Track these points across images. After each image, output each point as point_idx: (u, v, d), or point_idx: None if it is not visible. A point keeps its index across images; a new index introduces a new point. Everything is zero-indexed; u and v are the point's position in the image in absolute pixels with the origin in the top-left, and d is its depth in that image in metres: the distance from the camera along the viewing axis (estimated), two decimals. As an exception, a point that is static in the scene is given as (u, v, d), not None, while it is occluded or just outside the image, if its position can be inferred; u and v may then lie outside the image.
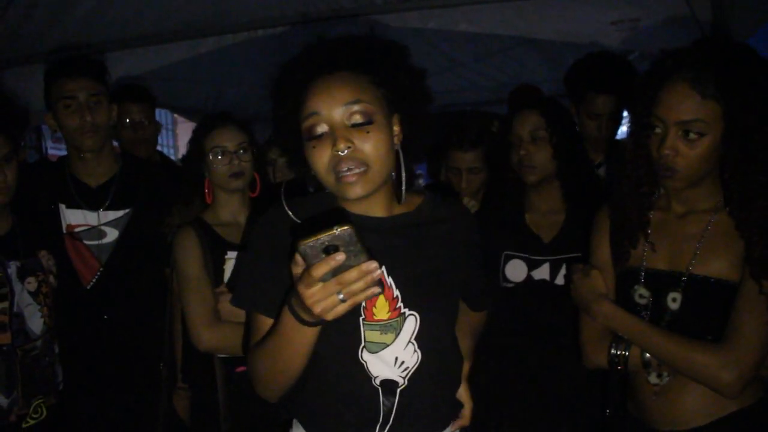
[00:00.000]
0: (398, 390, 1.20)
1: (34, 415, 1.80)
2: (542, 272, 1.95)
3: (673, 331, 1.41)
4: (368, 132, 1.13)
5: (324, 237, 0.93)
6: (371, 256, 0.95)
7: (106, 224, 2.07)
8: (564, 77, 2.59)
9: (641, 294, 1.47)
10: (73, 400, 1.98)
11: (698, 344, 1.35)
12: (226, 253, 1.93)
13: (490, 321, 1.98)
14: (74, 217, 2.06)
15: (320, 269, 0.94)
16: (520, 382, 1.96)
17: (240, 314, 1.54)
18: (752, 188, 1.32)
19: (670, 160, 1.35)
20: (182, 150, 2.26)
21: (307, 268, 0.96)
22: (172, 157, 4.32)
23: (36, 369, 1.81)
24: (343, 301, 0.97)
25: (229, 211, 1.99)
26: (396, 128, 1.20)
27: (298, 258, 0.98)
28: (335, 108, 1.13)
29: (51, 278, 1.89)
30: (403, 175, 1.21)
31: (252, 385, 1.23)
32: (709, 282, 1.39)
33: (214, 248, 1.92)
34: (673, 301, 1.42)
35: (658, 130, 1.37)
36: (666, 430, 1.44)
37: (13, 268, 1.79)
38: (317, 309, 0.97)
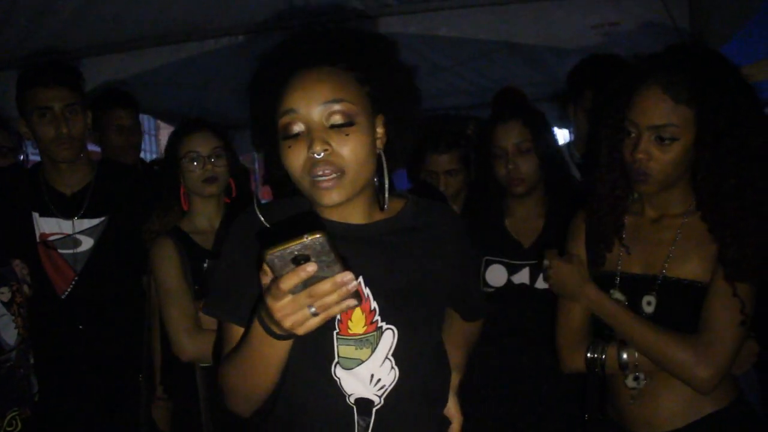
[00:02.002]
0: (374, 409, 1.12)
1: (9, 428, 1.77)
2: (522, 277, 1.96)
3: None
4: (348, 135, 1.04)
5: (293, 246, 0.84)
6: (346, 267, 0.87)
7: (81, 233, 2.04)
8: (567, 75, 2.57)
9: (617, 298, 1.47)
10: (49, 412, 1.94)
11: (676, 338, 1.36)
12: (204, 262, 1.91)
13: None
14: (48, 226, 2.03)
15: (289, 281, 0.86)
16: (501, 386, 1.96)
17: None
18: (723, 191, 1.33)
19: (644, 165, 1.36)
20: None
21: (275, 280, 0.88)
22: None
23: (10, 381, 1.78)
24: (315, 315, 0.89)
25: (205, 217, 1.98)
26: (380, 130, 1.11)
27: (265, 268, 0.90)
28: (314, 106, 1.04)
29: (25, 288, 1.86)
30: (386, 181, 1.12)
31: (223, 398, 1.16)
32: (682, 284, 1.40)
33: (191, 257, 1.91)
34: (648, 304, 1.43)
35: (632, 134, 1.38)
36: (643, 433, 1.45)
37: (-15, 278, 1.77)
38: (287, 323, 0.90)
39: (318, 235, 0.84)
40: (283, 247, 0.85)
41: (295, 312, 0.89)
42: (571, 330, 1.52)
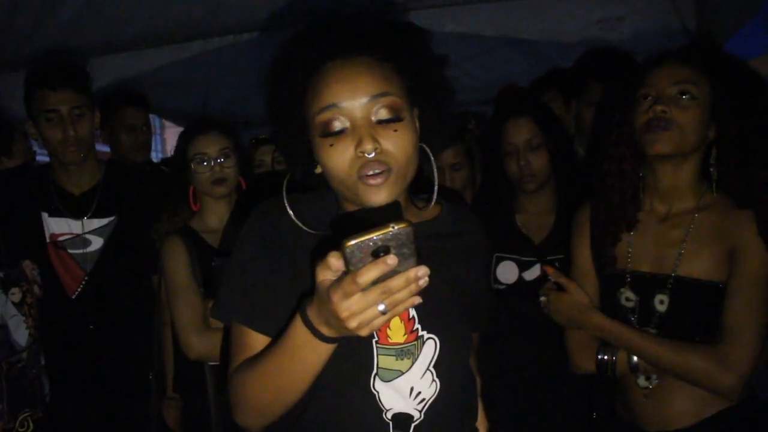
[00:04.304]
0: (412, 425, 1.04)
1: (21, 429, 1.78)
2: (533, 273, 1.94)
3: (661, 332, 1.41)
4: (396, 130, 0.96)
5: (377, 236, 0.76)
6: (420, 261, 0.80)
7: (90, 232, 2.05)
8: (569, 70, 2.55)
9: (627, 297, 1.47)
10: (61, 412, 1.95)
11: (694, 348, 1.34)
12: (213, 260, 1.91)
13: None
14: (57, 226, 2.03)
15: (368, 274, 0.77)
16: (511, 382, 1.95)
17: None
18: (752, 162, 1.33)
19: (663, 117, 1.34)
20: (170, 155, 2.27)
21: (349, 273, 0.78)
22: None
23: (22, 381, 1.79)
24: (383, 313, 0.81)
25: (216, 217, 1.98)
26: (416, 124, 1.04)
27: (332, 261, 0.81)
28: (359, 100, 0.96)
29: (36, 288, 1.87)
30: (435, 176, 1.05)
31: (231, 410, 1.05)
32: (695, 283, 1.39)
33: (201, 255, 1.91)
34: (661, 303, 1.42)
35: (649, 94, 1.37)
36: (654, 430, 1.44)
37: (-4, 279, 1.77)
38: (353, 323, 0.81)
39: (404, 225, 0.77)
40: (366, 237, 0.77)
41: (364, 310, 0.80)
42: (581, 332, 1.51)
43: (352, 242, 0.77)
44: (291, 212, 1.04)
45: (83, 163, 2.05)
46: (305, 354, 0.91)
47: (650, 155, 1.39)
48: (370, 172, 0.96)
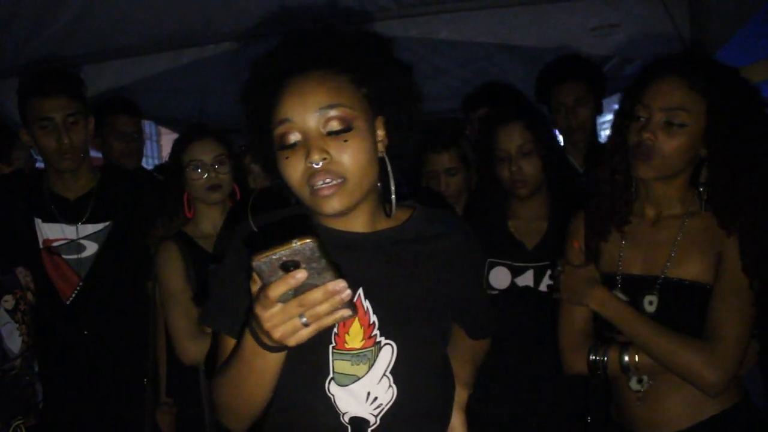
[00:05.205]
0: (369, 429, 1.06)
1: (13, 436, 1.77)
2: (526, 279, 1.95)
3: None
4: (346, 140, 1.00)
5: (281, 252, 0.79)
6: (339, 274, 0.83)
7: (85, 238, 2.04)
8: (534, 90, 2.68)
9: (620, 298, 1.48)
10: (54, 419, 1.94)
11: (684, 341, 1.36)
12: (209, 266, 1.91)
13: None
14: (51, 232, 2.03)
15: (277, 289, 0.82)
16: (504, 387, 1.95)
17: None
18: (742, 185, 1.34)
19: (648, 145, 1.37)
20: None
21: (263, 288, 0.84)
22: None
23: (15, 389, 1.78)
24: (306, 325, 0.85)
25: (210, 223, 1.99)
26: (380, 132, 1.07)
27: (255, 275, 0.86)
28: (309, 114, 1.00)
29: (29, 295, 1.86)
30: (392, 185, 1.08)
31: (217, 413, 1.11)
32: (683, 284, 1.41)
33: (196, 261, 1.91)
34: (650, 304, 1.44)
35: (642, 116, 1.40)
36: (648, 434, 1.45)
37: (-12, 285, 1.77)
38: (276, 334, 0.86)
39: (308, 240, 0.79)
40: (271, 253, 0.80)
41: (285, 322, 0.85)
42: (574, 332, 1.52)
43: (258, 258, 0.81)
44: (252, 225, 1.10)
45: (78, 169, 2.05)
46: (257, 362, 0.96)
47: (636, 176, 1.45)
48: (320, 183, 1.00)
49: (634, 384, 1.45)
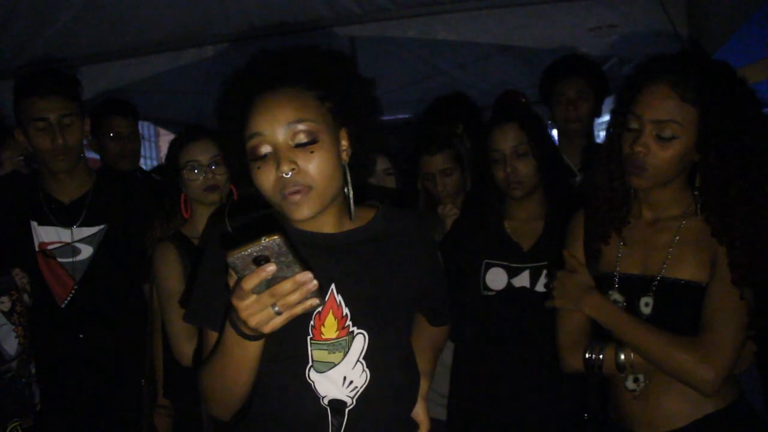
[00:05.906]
0: (346, 410, 1.18)
1: (10, 439, 1.77)
2: (522, 280, 1.95)
3: None
4: (312, 152, 1.11)
5: (252, 248, 0.90)
6: (306, 267, 0.93)
7: (80, 241, 2.04)
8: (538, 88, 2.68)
9: (615, 299, 1.49)
10: (51, 421, 1.93)
11: (678, 341, 1.37)
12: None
13: (471, 329, 1.99)
14: (47, 235, 2.02)
15: (250, 281, 0.93)
16: (502, 387, 1.95)
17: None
18: (732, 195, 1.35)
19: (641, 158, 1.38)
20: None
21: (239, 281, 0.94)
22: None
23: (12, 391, 1.78)
24: (278, 313, 0.96)
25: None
26: (344, 143, 1.18)
27: (231, 270, 0.96)
28: (278, 128, 1.11)
29: (25, 297, 1.86)
30: (350, 192, 1.19)
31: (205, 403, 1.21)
32: (679, 284, 1.41)
33: (194, 262, 1.91)
34: (646, 305, 1.44)
35: (634, 127, 1.40)
36: (644, 433, 1.45)
37: (-15, 287, 1.76)
38: (252, 322, 0.96)
39: (275, 237, 0.90)
40: (243, 250, 0.91)
41: (260, 311, 0.95)
42: (571, 330, 1.52)
43: (232, 255, 0.91)
44: (228, 226, 1.20)
45: (73, 172, 2.05)
46: (236, 350, 1.06)
47: (630, 185, 1.46)
48: (290, 190, 1.10)
49: (630, 383, 1.45)
